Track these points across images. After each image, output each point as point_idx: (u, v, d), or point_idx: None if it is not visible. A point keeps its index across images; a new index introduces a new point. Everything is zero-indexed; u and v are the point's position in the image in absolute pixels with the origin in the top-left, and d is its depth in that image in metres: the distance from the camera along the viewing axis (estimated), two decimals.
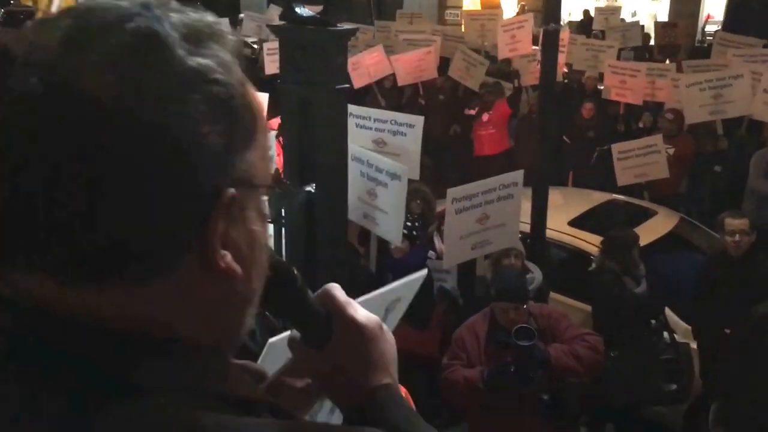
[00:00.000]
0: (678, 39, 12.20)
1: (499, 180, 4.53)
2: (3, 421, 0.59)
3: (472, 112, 9.06)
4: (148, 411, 0.59)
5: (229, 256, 0.65)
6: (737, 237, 4.97)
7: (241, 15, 14.87)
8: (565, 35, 9.81)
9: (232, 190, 0.64)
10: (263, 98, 5.25)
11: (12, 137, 0.59)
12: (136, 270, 0.61)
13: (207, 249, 0.63)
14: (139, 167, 0.59)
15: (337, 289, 0.84)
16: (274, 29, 3.97)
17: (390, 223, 4.64)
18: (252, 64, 11.36)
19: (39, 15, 5.17)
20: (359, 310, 0.84)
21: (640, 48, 12.30)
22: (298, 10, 3.19)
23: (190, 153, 0.60)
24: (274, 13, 11.20)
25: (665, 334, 5.17)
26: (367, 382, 0.82)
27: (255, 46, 12.52)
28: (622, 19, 13.64)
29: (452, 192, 4.41)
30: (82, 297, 0.61)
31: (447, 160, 9.02)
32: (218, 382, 0.65)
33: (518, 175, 4.55)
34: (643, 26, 13.04)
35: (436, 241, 5.26)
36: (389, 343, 0.86)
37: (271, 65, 9.30)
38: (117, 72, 0.59)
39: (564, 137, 8.41)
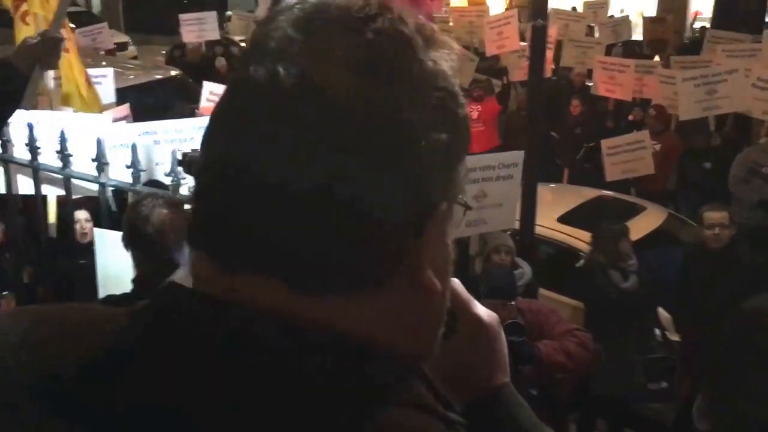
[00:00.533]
0: (666, 34, 12.23)
1: (497, 158, 4.43)
2: (246, 418, 0.56)
3: None
4: (396, 421, 0.57)
5: (430, 272, 0.63)
6: (716, 230, 5.02)
7: (229, 13, 14.83)
8: (553, 31, 9.84)
9: (445, 204, 0.62)
10: None
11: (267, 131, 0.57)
12: (359, 279, 0.59)
13: (417, 263, 0.61)
14: (375, 173, 0.57)
15: (458, 285, 0.80)
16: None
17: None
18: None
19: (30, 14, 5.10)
20: (480, 307, 0.83)
21: (630, 43, 12.33)
22: (286, 3, 3.17)
23: (422, 162, 0.58)
24: (264, 10, 11.19)
25: (657, 332, 5.20)
26: (491, 381, 0.82)
27: (242, 44, 12.48)
28: (611, 16, 13.68)
29: None
30: (311, 304, 0.59)
31: None
32: (425, 395, 0.62)
33: (518, 155, 4.48)
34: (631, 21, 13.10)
35: None
36: (505, 342, 0.85)
37: None
38: (363, 72, 0.57)
39: (553, 133, 8.44)
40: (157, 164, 3.82)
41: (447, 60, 0.63)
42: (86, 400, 0.59)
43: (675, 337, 5.23)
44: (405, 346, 0.63)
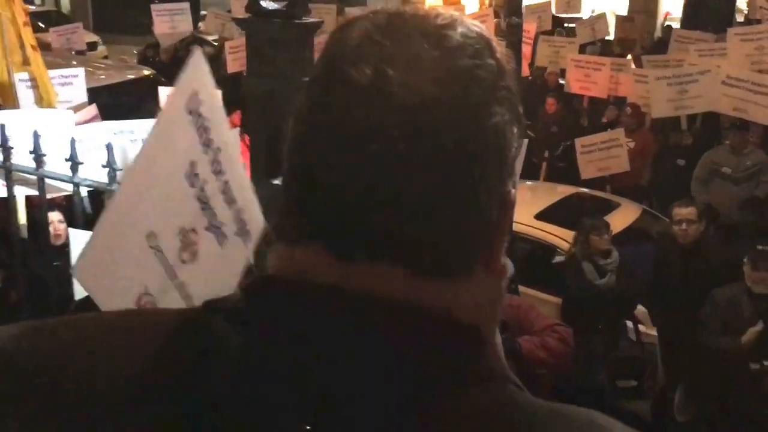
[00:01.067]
0: (635, 33, 12.37)
1: None
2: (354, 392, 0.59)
3: None
4: (494, 395, 0.61)
5: (503, 255, 0.68)
6: (684, 225, 5.11)
7: (204, 12, 14.70)
8: (531, 26, 9.92)
9: (514, 190, 0.68)
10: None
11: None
12: (466, 263, 0.64)
13: (495, 248, 0.67)
14: (482, 170, 0.63)
15: None
16: (239, 22, 3.91)
17: None
18: (213, 61, 11.24)
19: None
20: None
21: (609, 42, 12.41)
22: (263, 3, 3.14)
23: (507, 156, 0.65)
24: (239, 7, 11.10)
25: (632, 329, 5.26)
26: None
27: (216, 44, 12.38)
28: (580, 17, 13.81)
29: None
30: (426, 290, 0.62)
31: None
32: (504, 367, 0.67)
33: None
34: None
35: None
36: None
37: (234, 63, 9.22)
38: (459, 76, 0.63)
39: (528, 132, 8.49)
40: None
41: (506, 58, 0.69)
42: (211, 402, 0.60)
43: (651, 331, 5.30)
44: (483, 326, 0.67)
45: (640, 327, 5.35)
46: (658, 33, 14.28)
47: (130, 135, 4.02)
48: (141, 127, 4.09)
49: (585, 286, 5.06)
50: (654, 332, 5.28)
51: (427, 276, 0.62)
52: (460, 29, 0.65)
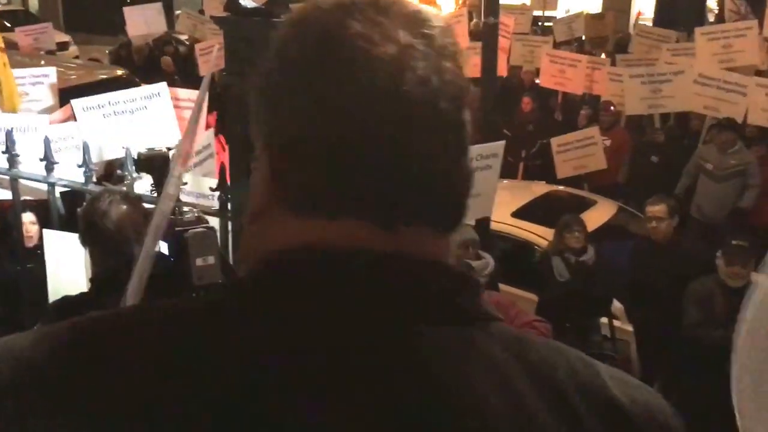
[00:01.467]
0: (605, 31, 12.45)
1: (478, 149, 4.47)
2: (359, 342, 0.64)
3: None
4: (507, 329, 0.73)
5: None
6: (653, 223, 5.19)
7: (178, 12, 14.55)
8: (509, 21, 9.95)
9: None
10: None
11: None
12: (462, 220, 0.73)
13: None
14: (467, 136, 0.71)
15: None
16: (216, 20, 3.88)
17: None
18: (184, 61, 11.15)
19: None
20: None
21: (585, 41, 12.46)
22: (241, 1, 3.12)
23: (467, 134, 0.72)
24: (212, 7, 11.00)
25: (606, 326, 5.30)
26: None
27: (188, 43, 12.28)
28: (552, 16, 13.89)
29: None
30: (442, 245, 0.71)
31: None
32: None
33: (499, 146, 4.54)
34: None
35: None
36: None
37: (204, 66, 9.13)
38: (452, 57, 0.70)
39: (505, 131, 8.53)
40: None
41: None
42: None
43: (627, 327, 5.35)
44: None
45: (617, 323, 5.40)
46: (631, 32, 14.43)
47: (103, 110, 4.04)
48: (114, 99, 4.11)
49: (552, 283, 5.12)
50: (629, 328, 5.33)
51: (446, 234, 0.71)
52: (438, 22, 0.71)
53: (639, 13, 15.83)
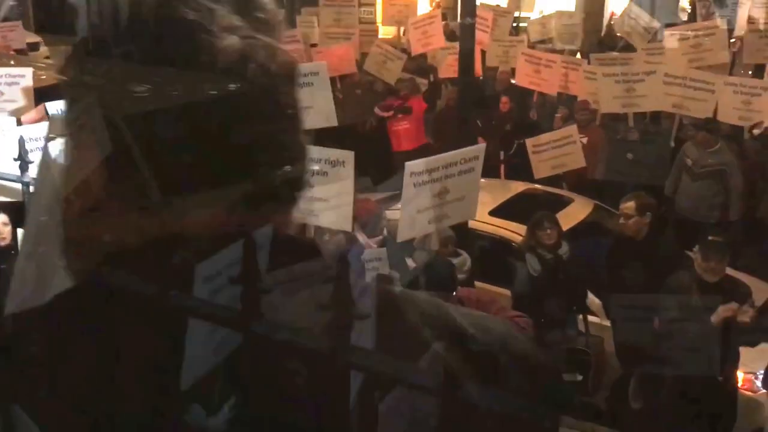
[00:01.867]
0: (575, 28, 12.51)
1: (460, 154, 4.49)
2: None
3: (387, 114, 9.13)
4: None
5: None
6: (622, 219, 5.34)
7: None
8: (488, 15, 9.97)
9: None
10: None
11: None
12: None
13: None
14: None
15: None
16: None
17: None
18: None
19: None
20: None
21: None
22: None
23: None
24: None
25: (581, 321, 5.35)
26: None
27: None
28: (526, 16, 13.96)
29: (411, 166, 4.32)
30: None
31: (365, 155, 9.01)
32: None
33: (480, 149, 4.60)
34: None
35: (359, 236, 5.24)
36: None
37: None
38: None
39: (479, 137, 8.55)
40: None
41: None
42: None
43: (605, 322, 5.39)
44: None
45: (595, 319, 5.45)
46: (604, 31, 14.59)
47: None
48: None
49: (523, 279, 5.16)
50: (606, 323, 5.38)
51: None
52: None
53: (612, 14, 15.97)
